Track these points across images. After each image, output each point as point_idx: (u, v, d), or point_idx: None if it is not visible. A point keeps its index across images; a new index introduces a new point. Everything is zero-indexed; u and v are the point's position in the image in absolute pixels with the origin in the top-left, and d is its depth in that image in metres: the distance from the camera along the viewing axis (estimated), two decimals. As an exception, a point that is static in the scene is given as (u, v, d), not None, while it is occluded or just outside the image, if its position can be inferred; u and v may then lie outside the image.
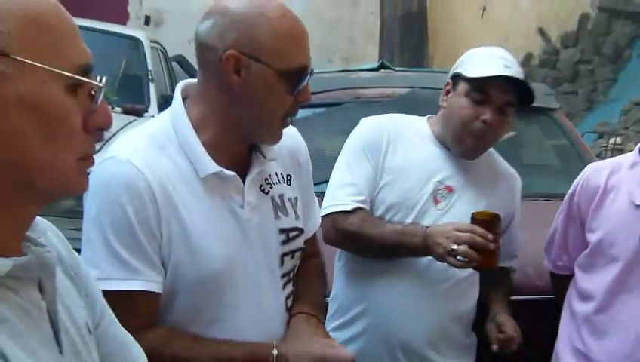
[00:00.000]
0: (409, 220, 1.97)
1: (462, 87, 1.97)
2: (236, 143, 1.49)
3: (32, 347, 0.86)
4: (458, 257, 1.80)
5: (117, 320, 1.13)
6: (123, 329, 1.14)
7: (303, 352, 1.45)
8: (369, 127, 2.08)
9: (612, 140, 7.63)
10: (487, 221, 1.84)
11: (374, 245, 1.95)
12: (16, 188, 0.85)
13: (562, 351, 2.00)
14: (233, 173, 1.44)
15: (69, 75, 0.83)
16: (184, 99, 1.48)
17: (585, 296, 1.95)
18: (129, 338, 1.15)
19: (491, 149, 2.12)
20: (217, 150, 1.43)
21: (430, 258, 1.93)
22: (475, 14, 9.33)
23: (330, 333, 1.67)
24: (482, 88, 1.92)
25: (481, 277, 2.07)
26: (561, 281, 2.10)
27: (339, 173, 2.04)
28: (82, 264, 1.09)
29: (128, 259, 1.36)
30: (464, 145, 1.99)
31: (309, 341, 1.51)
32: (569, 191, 2.05)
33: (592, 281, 1.94)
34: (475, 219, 1.85)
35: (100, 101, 0.88)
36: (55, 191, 0.90)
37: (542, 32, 9.72)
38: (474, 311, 2.06)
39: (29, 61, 0.82)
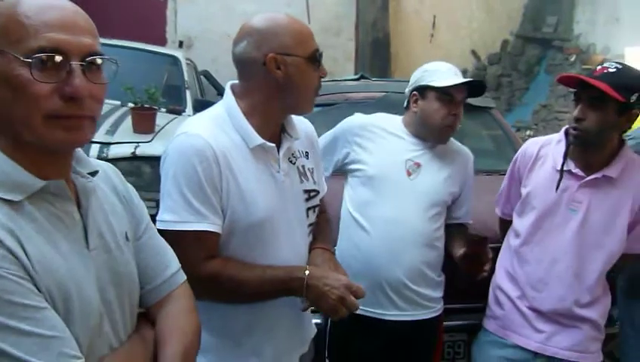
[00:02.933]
0: (387, 187, 1.98)
1: (432, 95, 1.99)
2: (275, 123, 1.49)
3: (54, 239, 0.93)
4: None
5: (159, 237, 1.20)
6: (163, 242, 1.20)
7: (333, 275, 1.44)
8: (352, 118, 2.12)
9: (526, 133, 7.69)
10: (481, 241, 1.88)
11: None
12: (17, 140, 0.93)
13: (499, 272, 2.05)
14: (273, 145, 1.46)
15: (19, 56, 0.88)
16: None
17: (516, 234, 1.99)
18: (167, 249, 1.20)
19: None
20: (261, 130, 1.44)
21: (410, 224, 1.96)
22: (424, 40, 9.29)
23: None
24: (448, 92, 1.95)
25: (446, 232, 2.07)
26: (505, 224, 2.13)
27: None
28: (135, 195, 1.17)
29: (198, 207, 1.35)
30: (444, 134, 2.02)
31: (331, 269, 1.50)
32: (513, 158, 2.09)
33: (521, 223, 1.97)
34: (472, 240, 1.90)
35: (64, 76, 0.91)
36: (36, 140, 0.92)
37: (474, 53, 9.71)
38: (441, 256, 2.06)
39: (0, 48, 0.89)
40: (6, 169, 0.91)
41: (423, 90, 2.01)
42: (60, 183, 0.96)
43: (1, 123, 0.93)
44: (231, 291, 1.41)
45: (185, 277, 1.20)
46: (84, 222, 1.00)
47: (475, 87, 2.02)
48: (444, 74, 1.99)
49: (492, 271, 2.01)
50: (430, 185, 2.00)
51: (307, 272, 1.41)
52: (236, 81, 1.51)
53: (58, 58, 0.90)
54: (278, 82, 1.41)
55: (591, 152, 1.86)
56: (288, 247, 1.49)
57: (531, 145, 2.02)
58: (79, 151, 1.06)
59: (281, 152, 1.49)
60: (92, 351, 0.97)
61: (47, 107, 0.90)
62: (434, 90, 1.98)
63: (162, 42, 8.05)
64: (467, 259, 1.92)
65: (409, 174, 2.00)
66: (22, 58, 0.88)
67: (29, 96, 0.89)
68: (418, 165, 2.01)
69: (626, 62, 1.86)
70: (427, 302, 2.04)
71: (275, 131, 1.49)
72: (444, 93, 1.96)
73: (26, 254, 0.88)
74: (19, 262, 0.86)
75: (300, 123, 1.59)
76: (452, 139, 2.14)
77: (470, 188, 2.15)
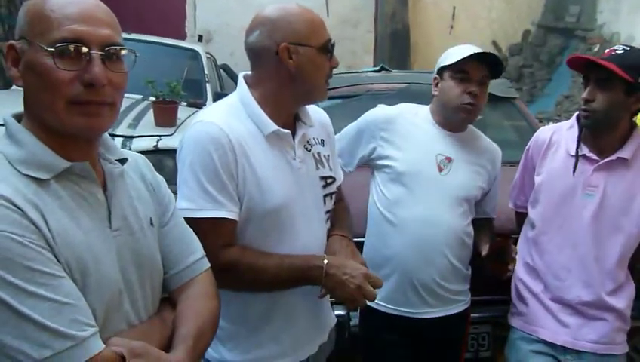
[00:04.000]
0: (418, 184, 1.92)
1: (447, 74, 1.93)
2: (288, 112, 1.50)
3: (77, 216, 1.00)
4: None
5: (185, 225, 1.25)
6: (189, 230, 1.25)
7: (352, 264, 1.44)
8: (377, 110, 2.05)
9: (549, 124, 7.62)
10: (504, 241, 1.89)
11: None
12: (44, 124, 1.01)
13: (518, 265, 2.02)
14: (287, 131, 1.46)
15: (44, 46, 0.97)
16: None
17: (532, 225, 1.97)
18: (192, 237, 1.24)
19: (476, 130, 2.07)
20: (274, 118, 1.45)
21: (442, 223, 1.91)
22: (444, 31, 9.23)
23: None
24: (462, 68, 1.89)
25: (473, 226, 2.04)
26: (520, 217, 2.11)
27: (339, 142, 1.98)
28: (163, 185, 1.23)
29: (215, 195, 1.36)
30: (461, 116, 1.93)
31: (349, 256, 1.49)
32: (526, 147, 2.05)
33: (536, 213, 1.95)
34: (495, 244, 1.91)
35: (82, 64, 0.98)
36: (59, 126, 1.00)
37: (495, 44, 9.61)
38: (470, 251, 2.04)
39: (29, 39, 0.99)
40: (35, 150, 1.00)
41: (441, 72, 1.96)
42: (85, 165, 1.03)
43: (32, 109, 1.02)
44: (249, 279, 1.42)
45: (209, 265, 1.24)
46: (108, 203, 1.07)
47: (494, 65, 1.92)
48: (460, 50, 1.91)
49: None
50: (461, 182, 1.95)
51: (326, 261, 1.41)
52: (249, 72, 1.51)
53: (78, 47, 0.98)
54: (290, 72, 1.42)
55: (603, 135, 1.84)
56: (305, 234, 1.49)
57: (543, 132, 2.00)
58: (109, 139, 1.14)
59: (297, 139, 1.49)
60: (109, 324, 1.02)
61: (68, 93, 0.98)
62: (448, 69, 1.92)
63: (182, 36, 8.11)
64: (491, 259, 1.90)
65: (440, 170, 1.93)
66: (46, 48, 0.97)
67: (53, 83, 0.98)
68: (449, 160, 1.95)
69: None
70: (456, 296, 2.02)
71: (288, 120, 1.50)
72: (458, 71, 1.89)
73: (48, 227, 0.95)
74: (40, 233, 0.94)
75: (315, 112, 1.60)
76: (481, 133, 2.09)
77: (498, 184, 2.10)
